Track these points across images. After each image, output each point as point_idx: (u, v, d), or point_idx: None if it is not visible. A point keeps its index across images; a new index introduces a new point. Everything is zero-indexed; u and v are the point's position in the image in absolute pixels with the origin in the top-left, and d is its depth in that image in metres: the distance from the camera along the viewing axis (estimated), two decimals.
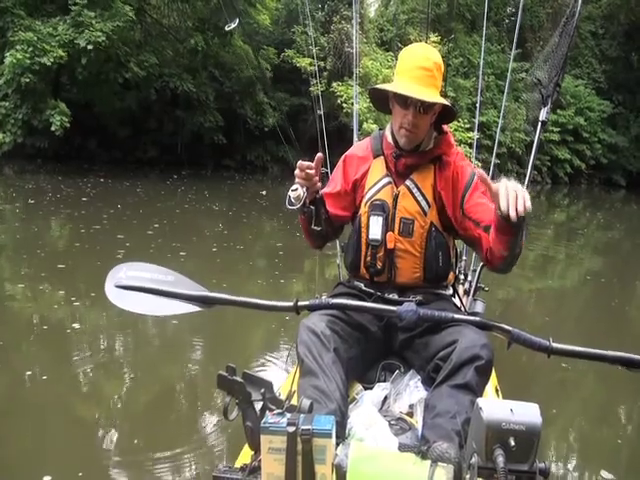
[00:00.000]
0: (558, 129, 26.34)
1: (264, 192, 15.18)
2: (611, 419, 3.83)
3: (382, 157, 2.19)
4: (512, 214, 1.61)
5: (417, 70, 2.03)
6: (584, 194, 26.19)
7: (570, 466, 3.16)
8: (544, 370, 4.16)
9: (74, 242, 7.81)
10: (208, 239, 8.76)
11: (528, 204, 1.61)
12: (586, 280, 8.33)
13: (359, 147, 2.33)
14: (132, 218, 10.08)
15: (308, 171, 1.95)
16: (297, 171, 1.97)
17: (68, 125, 15.86)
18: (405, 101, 2.03)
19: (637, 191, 27.19)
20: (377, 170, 2.18)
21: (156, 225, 9.35)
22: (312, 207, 2.08)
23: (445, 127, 2.20)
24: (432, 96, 2.00)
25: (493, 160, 4.59)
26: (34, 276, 5.97)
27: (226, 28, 2.06)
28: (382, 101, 2.20)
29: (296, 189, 2.01)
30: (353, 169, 2.25)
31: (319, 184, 2.04)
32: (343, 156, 2.32)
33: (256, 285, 6.31)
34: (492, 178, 1.86)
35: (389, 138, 2.19)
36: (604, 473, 2.99)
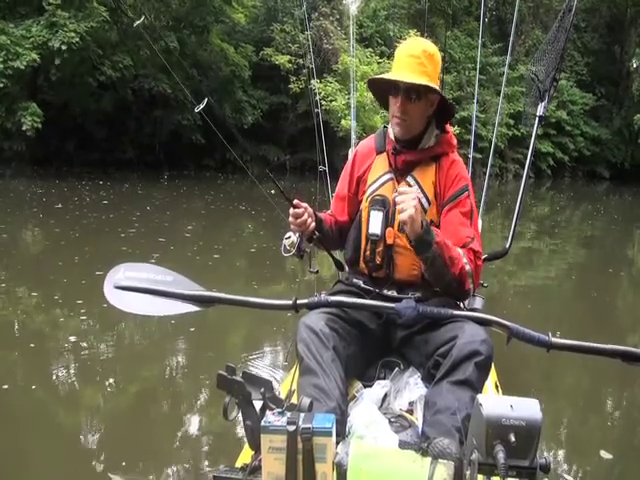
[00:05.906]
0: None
1: (272, 191, 14.99)
2: (613, 411, 3.84)
3: (385, 153, 2.19)
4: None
5: (405, 58, 2.05)
6: (568, 187, 26.32)
7: (571, 459, 3.15)
8: (544, 365, 4.16)
9: (120, 246, 7.43)
10: (246, 240, 8.79)
11: (403, 215, 1.75)
12: (569, 271, 8.39)
13: (364, 144, 2.34)
14: (163, 220, 10.10)
15: (301, 219, 2.04)
16: (291, 219, 2.05)
17: (40, 125, 15.73)
18: (395, 89, 2.04)
19: (621, 183, 27.41)
20: (379, 166, 2.19)
21: (189, 227, 9.45)
22: (307, 250, 2.18)
23: (448, 127, 2.21)
24: (418, 81, 1.98)
25: (490, 158, 4.63)
26: (74, 285, 5.70)
27: (195, 110, 2.06)
28: (384, 101, 2.20)
29: (289, 237, 2.11)
30: (357, 166, 2.27)
31: (313, 224, 2.09)
32: (353, 153, 2.35)
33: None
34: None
35: (391, 135, 2.19)
36: (603, 453, 3.01)
